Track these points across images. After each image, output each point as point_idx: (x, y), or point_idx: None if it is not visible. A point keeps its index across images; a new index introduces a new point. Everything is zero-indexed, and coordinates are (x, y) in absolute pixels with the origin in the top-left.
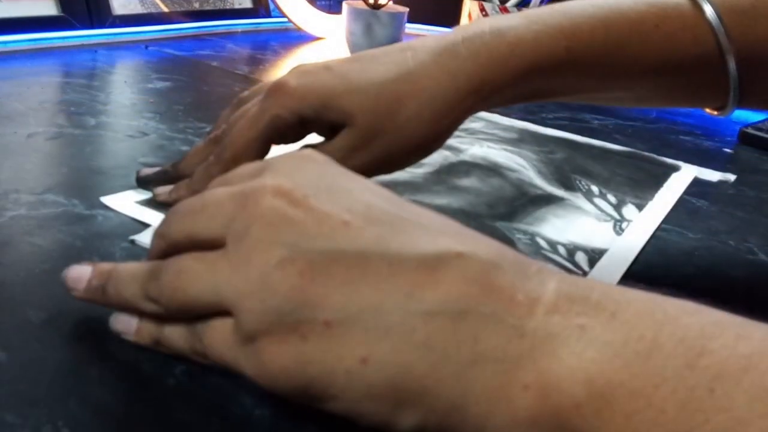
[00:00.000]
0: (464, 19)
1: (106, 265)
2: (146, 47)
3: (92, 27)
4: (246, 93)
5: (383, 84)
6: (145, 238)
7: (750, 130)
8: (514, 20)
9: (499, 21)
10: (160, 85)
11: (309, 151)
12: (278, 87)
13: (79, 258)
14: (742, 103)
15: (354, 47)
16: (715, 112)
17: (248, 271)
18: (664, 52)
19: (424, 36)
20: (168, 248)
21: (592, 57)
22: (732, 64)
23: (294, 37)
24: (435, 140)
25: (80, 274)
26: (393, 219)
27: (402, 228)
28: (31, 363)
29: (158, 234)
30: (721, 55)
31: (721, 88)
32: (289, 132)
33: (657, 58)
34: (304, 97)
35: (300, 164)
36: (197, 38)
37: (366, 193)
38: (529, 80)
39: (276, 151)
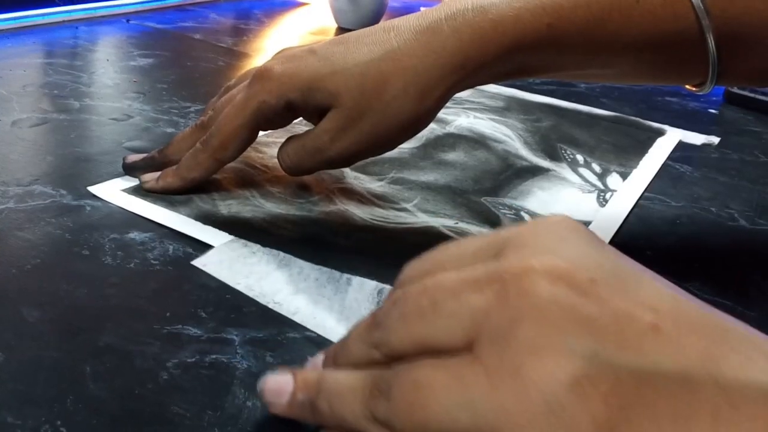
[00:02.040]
0: None
1: (311, 374)
2: (127, 21)
3: (72, 2)
4: (232, 81)
5: (368, 64)
6: (203, 263)
7: (736, 89)
8: None
9: None
10: (143, 62)
11: (563, 217)
12: (263, 73)
13: (69, 252)
14: (722, 80)
15: (338, 13)
16: (695, 89)
17: (523, 389)
18: (644, 28)
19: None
20: (384, 359)
21: (573, 33)
22: (711, 41)
23: (278, 4)
24: (421, 118)
25: (281, 385)
26: (707, 321)
27: (724, 338)
28: (27, 362)
29: (368, 341)
30: (701, 32)
31: (701, 64)
32: (276, 117)
33: (637, 34)
34: (290, 82)
35: (562, 235)
36: (179, 8)
37: (656, 278)
38: (512, 57)
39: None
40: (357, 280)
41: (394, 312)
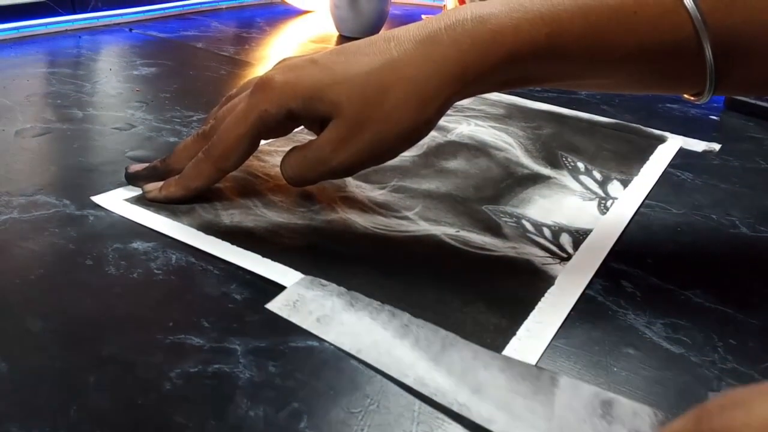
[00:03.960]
0: None
1: None
2: (130, 30)
3: (75, 12)
4: (234, 91)
5: (369, 74)
6: (275, 305)
7: None
8: (496, 7)
9: (480, 8)
10: (146, 71)
11: None
12: (265, 82)
13: (72, 261)
14: (719, 90)
15: (339, 21)
16: (693, 99)
17: None
18: (642, 38)
19: (408, 24)
20: None
21: (572, 43)
22: (708, 51)
23: (279, 12)
24: (421, 127)
25: None
26: None
27: None
28: (31, 372)
29: None
30: (699, 42)
31: (699, 74)
32: (278, 127)
33: (636, 44)
34: (291, 92)
35: None
36: (181, 17)
37: None
38: (510, 66)
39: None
40: (565, 381)
41: None
